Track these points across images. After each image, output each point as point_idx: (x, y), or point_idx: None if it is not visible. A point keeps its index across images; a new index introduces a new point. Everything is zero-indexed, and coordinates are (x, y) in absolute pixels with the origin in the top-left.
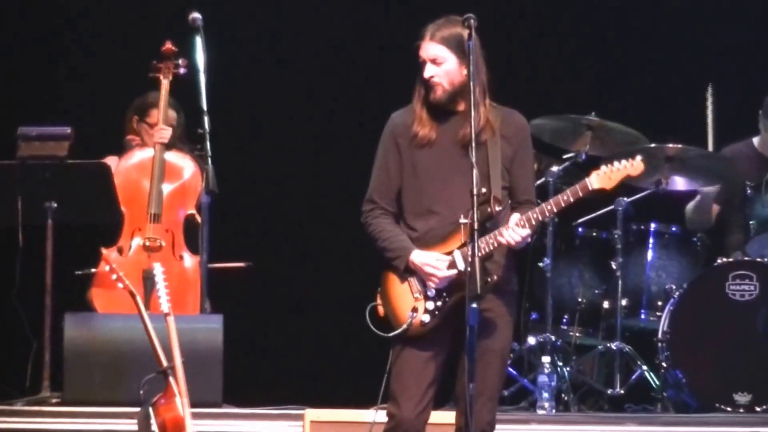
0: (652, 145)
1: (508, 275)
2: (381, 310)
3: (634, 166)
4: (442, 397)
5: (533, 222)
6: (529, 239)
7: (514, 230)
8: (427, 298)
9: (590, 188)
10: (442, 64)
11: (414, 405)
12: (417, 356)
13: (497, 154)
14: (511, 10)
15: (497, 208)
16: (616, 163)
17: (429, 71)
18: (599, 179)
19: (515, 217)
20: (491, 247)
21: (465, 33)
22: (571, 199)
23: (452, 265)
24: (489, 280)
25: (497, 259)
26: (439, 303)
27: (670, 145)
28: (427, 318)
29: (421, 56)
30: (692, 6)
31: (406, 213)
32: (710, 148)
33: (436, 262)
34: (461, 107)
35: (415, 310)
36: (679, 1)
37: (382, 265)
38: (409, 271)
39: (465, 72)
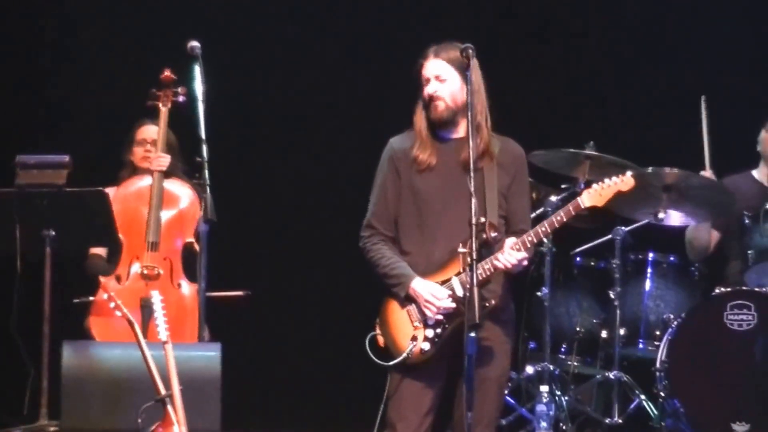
0: (650, 169)
1: (506, 303)
2: (380, 339)
3: (625, 181)
4: (441, 427)
5: (528, 245)
6: (526, 263)
7: (510, 254)
8: (426, 326)
9: (582, 206)
10: (445, 81)
11: None
12: (415, 384)
13: (494, 182)
14: (507, 40)
15: (492, 234)
16: (606, 180)
17: (432, 86)
18: (590, 197)
19: (510, 240)
20: (488, 273)
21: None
22: (564, 219)
23: (452, 296)
24: (486, 305)
25: (493, 286)
26: (438, 331)
27: (668, 171)
28: (427, 346)
29: (424, 74)
30: (688, 32)
31: (403, 238)
32: (706, 161)
33: (437, 292)
34: (461, 132)
35: (414, 338)
36: (674, 29)
37: (381, 294)
38: (409, 299)
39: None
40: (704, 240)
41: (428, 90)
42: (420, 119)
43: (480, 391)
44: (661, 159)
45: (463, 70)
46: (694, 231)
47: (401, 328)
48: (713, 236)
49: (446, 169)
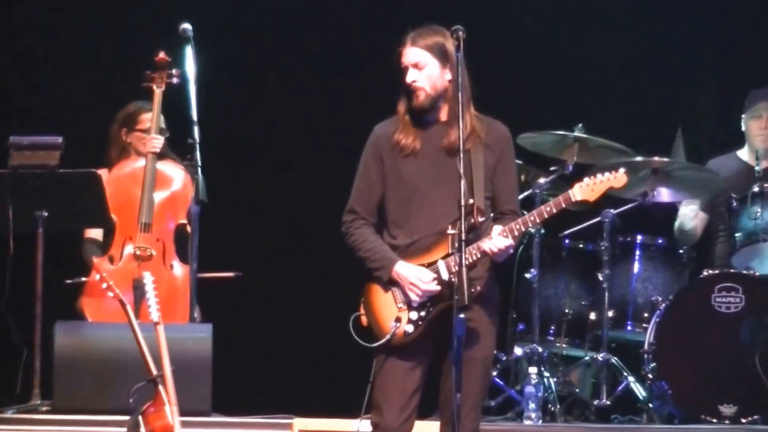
0: (639, 158)
1: (490, 285)
2: (364, 320)
3: (617, 177)
4: (429, 407)
5: (516, 233)
6: (511, 250)
7: (498, 239)
8: (410, 308)
9: (573, 200)
10: (423, 68)
11: (397, 413)
12: (400, 365)
13: (480, 164)
14: (496, 22)
15: (480, 219)
16: (599, 175)
17: (411, 76)
18: (582, 191)
19: (498, 227)
20: (474, 258)
21: (447, 42)
22: (554, 210)
23: (437, 279)
24: (472, 290)
25: (479, 270)
26: (422, 313)
27: (656, 158)
28: (410, 328)
29: (403, 62)
30: (678, 15)
31: (390, 223)
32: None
33: (421, 276)
34: (444, 116)
35: (398, 320)
36: (664, 12)
37: (365, 275)
38: (392, 282)
39: (448, 78)
40: (693, 226)
41: (407, 79)
42: (403, 104)
43: (465, 371)
44: (650, 141)
45: (442, 54)
46: (683, 221)
47: (385, 309)
48: (700, 217)
49: (430, 152)
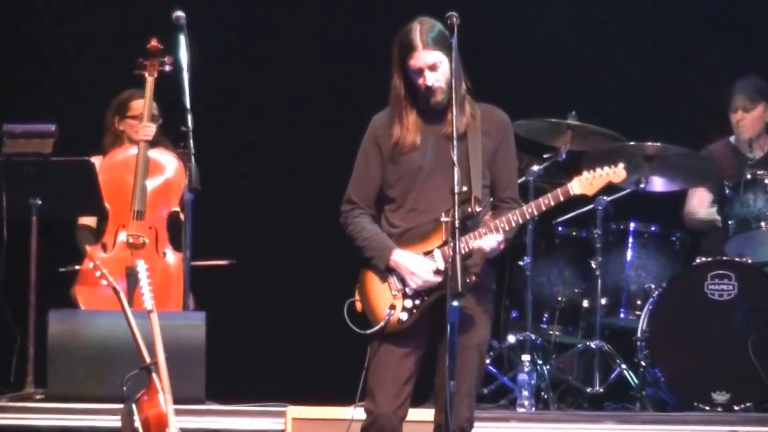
0: (632, 143)
1: (486, 273)
2: (359, 306)
3: (617, 173)
4: (423, 394)
5: (513, 224)
6: (503, 246)
7: (486, 240)
8: (405, 296)
9: (572, 193)
10: (439, 67)
11: (390, 400)
12: (394, 352)
13: (478, 151)
14: (490, 8)
15: (477, 209)
16: (598, 170)
17: (430, 78)
18: (581, 185)
19: (491, 224)
20: (469, 248)
21: (444, 30)
22: (552, 203)
23: (437, 271)
24: (468, 280)
25: (476, 258)
26: (417, 301)
27: (650, 144)
28: (405, 316)
29: (417, 65)
30: (668, 5)
31: (387, 210)
32: None
33: (421, 265)
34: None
35: (393, 307)
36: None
37: (360, 263)
38: (389, 270)
39: (449, 67)
40: (704, 214)
41: (428, 81)
42: (406, 104)
43: (460, 359)
44: (643, 128)
45: (447, 45)
46: (694, 210)
47: (380, 296)
48: (706, 199)
49: (429, 140)
